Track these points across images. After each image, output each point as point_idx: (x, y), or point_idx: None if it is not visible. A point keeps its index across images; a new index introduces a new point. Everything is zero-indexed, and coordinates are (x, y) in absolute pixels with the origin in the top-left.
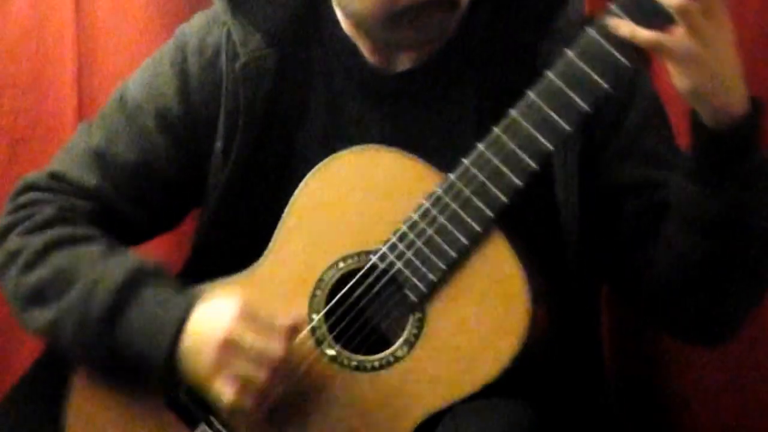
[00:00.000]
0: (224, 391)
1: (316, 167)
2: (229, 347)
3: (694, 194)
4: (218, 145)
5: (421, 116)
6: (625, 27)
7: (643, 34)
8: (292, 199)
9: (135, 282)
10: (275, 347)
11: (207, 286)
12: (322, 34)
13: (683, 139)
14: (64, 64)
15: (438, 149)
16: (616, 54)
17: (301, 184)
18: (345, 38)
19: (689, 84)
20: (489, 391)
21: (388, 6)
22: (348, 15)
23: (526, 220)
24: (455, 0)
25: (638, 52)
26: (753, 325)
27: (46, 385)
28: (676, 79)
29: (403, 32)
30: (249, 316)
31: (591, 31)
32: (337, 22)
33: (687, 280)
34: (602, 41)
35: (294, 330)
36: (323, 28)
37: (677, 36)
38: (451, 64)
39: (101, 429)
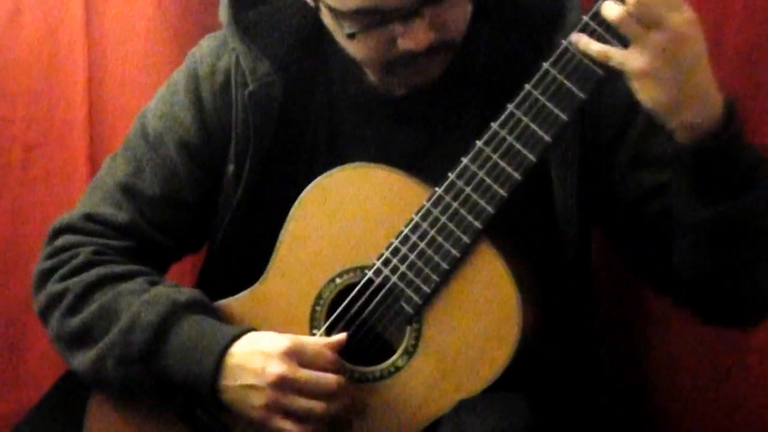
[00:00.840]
0: (287, 427)
1: (309, 186)
2: (284, 386)
3: (681, 211)
4: (230, 168)
5: (422, 138)
6: (581, 41)
7: (593, 48)
8: (288, 217)
9: (173, 315)
10: (329, 381)
11: (244, 328)
12: (326, 57)
13: None
14: (75, 74)
15: (437, 171)
16: (590, 64)
17: (296, 203)
18: (349, 61)
19: (648, 98)
20: (487, 388)
21: (384, 55)
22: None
23: (524, 224)
24: (450, 43)
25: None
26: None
27: (68, 401)
28: (638, 94)
29: (403, 75)
30: (296, 351)
31: (565, 43)
32: (341, 46)
33: (703, 282)
34: (575, 52)
35: (337, 351)
36: (328, 51)
37: (630, 50)
38: (451, 87)
39: None
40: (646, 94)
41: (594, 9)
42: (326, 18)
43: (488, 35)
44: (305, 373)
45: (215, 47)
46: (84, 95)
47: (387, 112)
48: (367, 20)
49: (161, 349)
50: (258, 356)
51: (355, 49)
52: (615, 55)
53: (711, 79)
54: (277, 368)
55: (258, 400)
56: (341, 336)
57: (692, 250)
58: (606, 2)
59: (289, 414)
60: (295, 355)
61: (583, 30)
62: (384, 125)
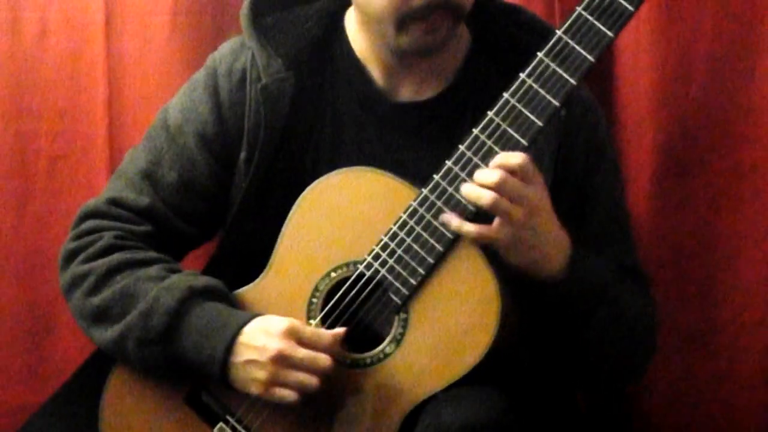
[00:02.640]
0: (285, 394)
1: (308, 188)
2: (282, 361)
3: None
4: (242, 155)
5: (419, 147)
6: (454, 221)
7: (468, 228)
8: (289, 216)
9: (188, 301)
10: (323, 359)
11: (252, 314)
12: (335, 59)
13: (634, 136)
14: (96, 91)
15: (428, 173)
16: (564, 74)
17: (295, 205)
18: (356, 62)
19: (519, 261)
20: (465, 380)
21: (401, 5)
22: (366, 17)
23: None
24: (461, 4)
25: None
26: (705, 324)
27: (89, 386)
28: (506, 258)
29: (414, 34)
30: (295, 331)
31: (540, 54)
32: (350, 48)
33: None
34: (551, 64)
35: (336, 340)
36: (337, 53)
37: (496, 226)
38: (449, 103)
39: (131, 421)
40: (515, 258)
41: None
42: None
43: (484, 64)
44: (302, 351)
45: (234, 49)
46: (105, 111)
47: (387, 117)
48: None
49: (178, 332)
50: (261, 335)
51: (376, 1)
52: (484, 232)
53: (561, 235)
54: (277, 345)
55: (259, 373)
56: (341, 329)
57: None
58: (467, 186)
59: (286, 386)
60: (294, 335)
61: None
62: (383, 129)
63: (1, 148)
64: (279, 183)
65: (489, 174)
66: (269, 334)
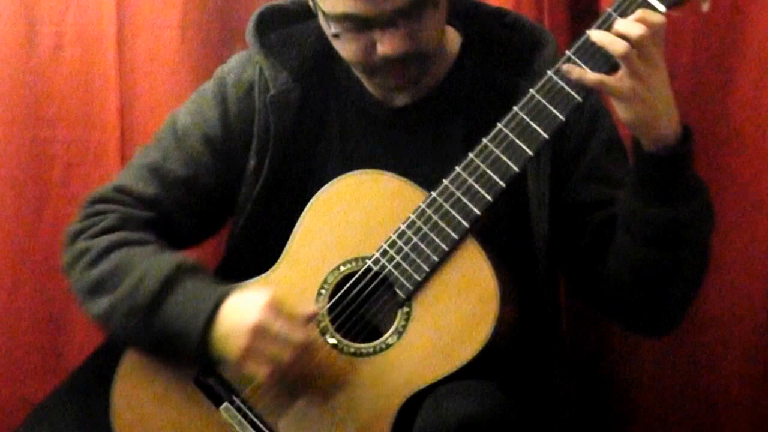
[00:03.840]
0: (257, 369)
1: (323, 188)
2: (259, 332)
3: (635, 208)
4: (251, 163)
5: (417, 145)
6: (575, 71)
7: (590, 77)
8: (303, 213)
9: (177, 275)
10: (298, 333)
11: (235, 286)
12: (336, 73)
13: (624, 132)
14: (109, 101)
15: (431, 174)
16: (571, 92)
17: (311, 201)
18: (353, 76)
19: (631, 116)
20: (465, 375)
21: (366, 59)
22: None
23: (503, 234)
24: (424, 53)
25: (588, 90)
26: (689, 322)
27: (101, 371)
28: (620, 112)
29: (385, 78)
30: (275, 306)
31: (550, 73)
32: (347, 62)
33: (634, 281)
34: (559, 81)
35: (312, 319)
36: (337, 67)
37: (619, 77)
38: (442, 102)
39: (141, 402)
40: (630, 113)
41: (577, 44)
42: (321, 19)
43: (474, 63)
44: (279, 323)
45: (242, 61)
46: (116, 120)
47: (386, 122)
48: (349, 25)
49: (163, 304)
50: (242, 306)
51: (341, 49)
52: (608, 81)
53: (674, 102)
54: (255, 316)
55: (237, 342)
56: (315, 308)
57: (634, 247)
58: (603, 34)
59: (261, 359)
60: (273, 308)
61: (567, 62)
62: (384, 133)
63: (19, 154)
64: (287, 188)
65: (631, 26)
66: (249, 306)
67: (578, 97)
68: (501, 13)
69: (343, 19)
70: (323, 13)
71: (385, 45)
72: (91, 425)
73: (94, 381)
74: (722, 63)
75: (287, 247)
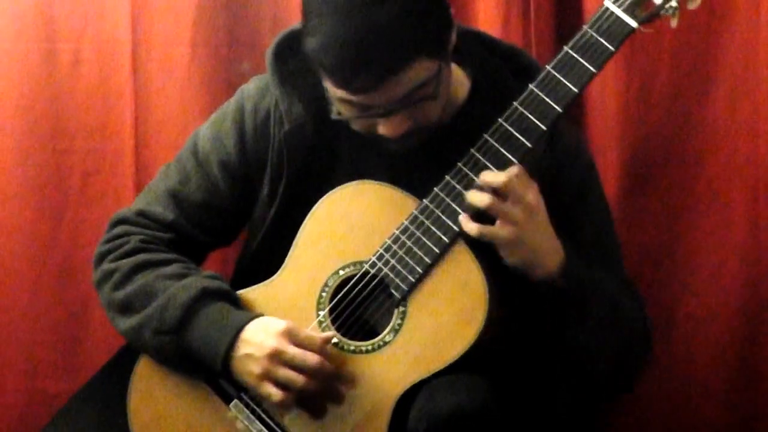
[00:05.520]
0: (272, 392)
1: (323, 197)
2: (275, 357)
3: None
4: (265, 190)
5: (423, 177)
6: (463, 221)
7: (471, 227)
8: (305, 222)
9: (201, 299)
10: (312, 358)
11: (240, 292)
12: None
13: (600, 155)
14: (124, 113)
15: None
16: (552, 103)
17: (312, 210)
18: None
19: (515, 260)
20: (457, 369)
21: (368, 132)
22: None
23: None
24: (427, 127)
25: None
26: (664, 319)
27: (119, 373)
28: (504, 257)
29: (390, 142)
30: (292, 333)
31: (531, 86)
32: None
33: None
34: (540, 94)
35: (328, 342)
36: None
37: (499, 225)
38: (450, 140)
39: (156, 399)
40: (514, 257)
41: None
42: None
43: (482, 108)
44: (294, 349)
45: (260, 88)
46: (131, 131)
47: (397, 154)
48: (349, 107)
49: (189, 326)
50: (260, 333)
51: (346, 114)
52: (486, 231)
53: (552, 236)
54: (272, 342)
55: (254, 367)
56: (331, 333)
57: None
58: (472, 192)
59: (277, 384)
60: (289, 335)
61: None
62: (396, 165)
63: (39, 164)
64: (299, 212)
65: (494, 176)
66: (267, 333)
67: (558, 108)
68: (514, 53)
69: (344, 102)
70: (326, 89)
71: (386, 127)
72: (111, 426)
73: (113, 384)
74: (698, 79)
75: (290, 253)
